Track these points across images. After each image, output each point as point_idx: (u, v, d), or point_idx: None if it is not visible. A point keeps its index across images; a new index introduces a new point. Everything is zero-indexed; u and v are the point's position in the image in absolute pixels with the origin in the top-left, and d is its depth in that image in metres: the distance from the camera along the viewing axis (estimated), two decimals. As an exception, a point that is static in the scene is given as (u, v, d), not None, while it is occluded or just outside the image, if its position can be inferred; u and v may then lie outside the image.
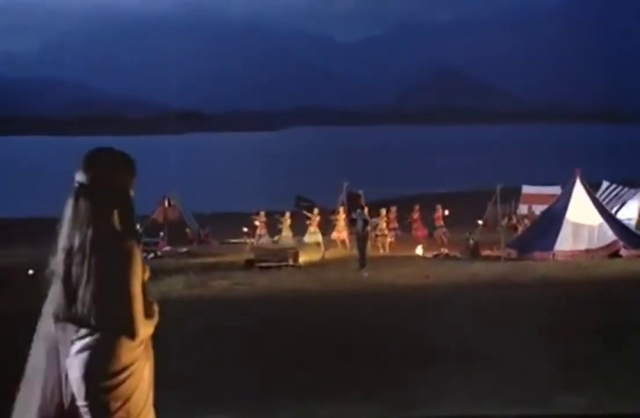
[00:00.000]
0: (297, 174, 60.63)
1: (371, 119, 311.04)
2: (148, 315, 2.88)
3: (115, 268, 2.78)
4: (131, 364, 2.81)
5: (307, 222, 23.48)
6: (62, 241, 2.85)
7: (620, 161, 59.90)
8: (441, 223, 23.65)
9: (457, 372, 8.59)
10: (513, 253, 19.98)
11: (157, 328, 2.94)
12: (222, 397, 7.86)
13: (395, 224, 23.83)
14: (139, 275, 2.82)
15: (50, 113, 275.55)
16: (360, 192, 22.99)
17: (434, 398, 7.55)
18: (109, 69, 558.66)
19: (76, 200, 2.86)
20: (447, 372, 8.56)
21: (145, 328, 2.85)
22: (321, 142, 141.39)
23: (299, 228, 23.75)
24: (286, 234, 23.36)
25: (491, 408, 7.12)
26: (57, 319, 2.83)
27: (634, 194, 24.91)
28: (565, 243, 19.66)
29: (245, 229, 24.35)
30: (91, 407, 2.77)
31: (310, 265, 19.79)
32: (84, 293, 2.77)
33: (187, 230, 26.24)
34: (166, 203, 26.16)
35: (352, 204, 21.92)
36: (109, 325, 2.77)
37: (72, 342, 2.81)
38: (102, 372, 2.76)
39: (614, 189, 25.48)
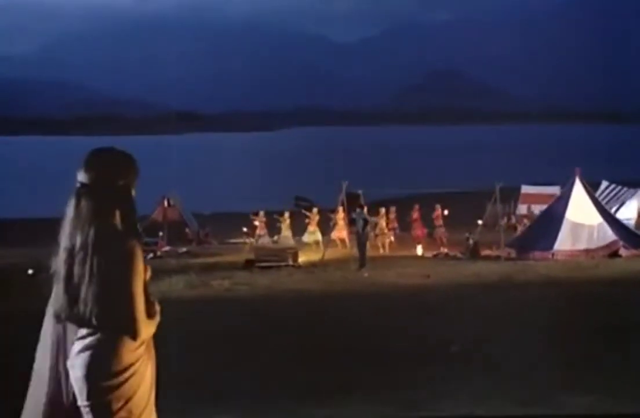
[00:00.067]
0: (296, 174, 60.63)
1: (370, 119, 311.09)
2: (150, 314, 2.88)
3: (117, 267, 2.77)
4: (133, 364, 2.81)
5: (306, 221, 23.49)
6: (63, 241, 2.85)
7: (620, 161, 59.90)
8: (440, 222, 23.65)
9: (457, 372, 8.59)
10: (513, 253, 19.99)
11: (158, 328, 2.94)
12: (222, 397, 7.86)
13: (395, 224, 23.84)
14: (140, 275, 2.82)
15: (50, 113, 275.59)
16: (360, 192, 22.98)
17: (434, 398, 7.56)
18: (108, 69, 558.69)
19: (78, 200, 2.86)
20: (447, 372, 8.56)
21: (147, 328, 2.84)
22: (320, 142, 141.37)
23: (298, 228, 23.75)
24: (286, 234, 23.35)
25: (491, 408, 7.12)
26: (59, 319, 2.83)
27: (633, 194, 24.91)
28: (564, 242, 19.66)
29: (245, 230, 24.35)
30: (93, 407, 2.77)
31: (310, 265, 19.79)
32: (85, 293, 2.77)
33: (187, 230, 26.24)
34: (166, 203, 26.14)
35: (352, 204, 21.90)
36: (110, 325, 2.77)
37: (74, 342, 2.81)
38: (103, 371, 2.76)
39: (614, 189, 25.48)
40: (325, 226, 23.02)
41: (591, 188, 21.23)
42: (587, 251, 19.57)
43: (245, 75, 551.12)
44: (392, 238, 23.28)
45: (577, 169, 20.66)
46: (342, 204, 22.41)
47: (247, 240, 23.83)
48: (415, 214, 24.05)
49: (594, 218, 19.98)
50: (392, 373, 8.77)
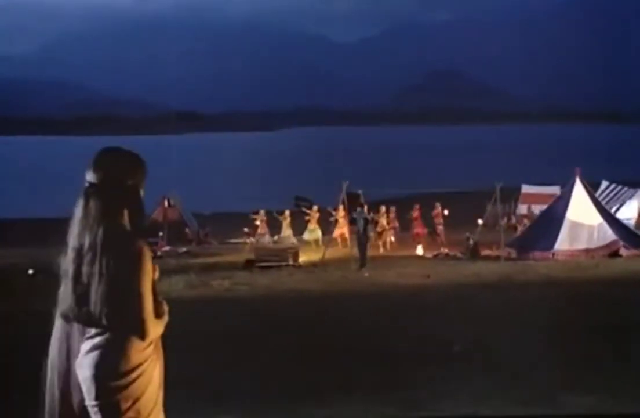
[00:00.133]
0: (296, 174, 60.65)
1: (370, 119, 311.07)
2: (158, 314, 2.88)
3: (125, 267, 2.78)
4: (141, 364, 2.81)
5: (306, 219, 23.51)
6: (72, 241, 2.86)
7: (620, 161, 59.90)
8: (440, 220, 23.69)
9: (457, 372, 8.59)
10: (513, 253, 19.99)
11: (165, 328, 2.94)
12: (222, 397, 7.86)
13: (395, 224, 23.84)
14: (149, 275, 2.83)
15: (50, 113, 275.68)
16: (360, 192, 22.98)
17: (434, 398, 7.56)
18: (108, 69, 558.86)
19: (86, 200, 2.87)
20: (447, 372, 8.56)
21: (155, 328, 2.85)
22: (320, 142, 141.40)
23: (298, 227, 23.75)
24: (286, 233, 23.35)
25: (491, 408, 7.12)
26: (67, 319, 2.84)
27: (633, 194, 24.90)
28: (565, 242, 19.67)
29: (246, 229, 24.34)
30: (101, 407, 2.78)
31: (311, 265, 19.80)
32: (94, 293, 2.78)
33: (187, 230, 26.24)
34: (166, 203, 26.14)
35: (352, 204, 21.90)
36: (119, 325, 2.78)
37: (82, 342, 2.81)
38: (112, 371, 2.77)
39: (614, 189, 25.48)
40: (326, 225, 23.02)
41: (591, 188, 21.24)
42: (587, 251, 19.57)
43: (245, 75, 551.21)
44: (393, 238, 23.30)
45: (577, 169, 20.66)
46: (343, 204, 22.42)
47: (248, 240, 23.82)
48: (416, 213, 24.05)
49: (594, 218, 19.98)
50: (392, 373, 8.76)
